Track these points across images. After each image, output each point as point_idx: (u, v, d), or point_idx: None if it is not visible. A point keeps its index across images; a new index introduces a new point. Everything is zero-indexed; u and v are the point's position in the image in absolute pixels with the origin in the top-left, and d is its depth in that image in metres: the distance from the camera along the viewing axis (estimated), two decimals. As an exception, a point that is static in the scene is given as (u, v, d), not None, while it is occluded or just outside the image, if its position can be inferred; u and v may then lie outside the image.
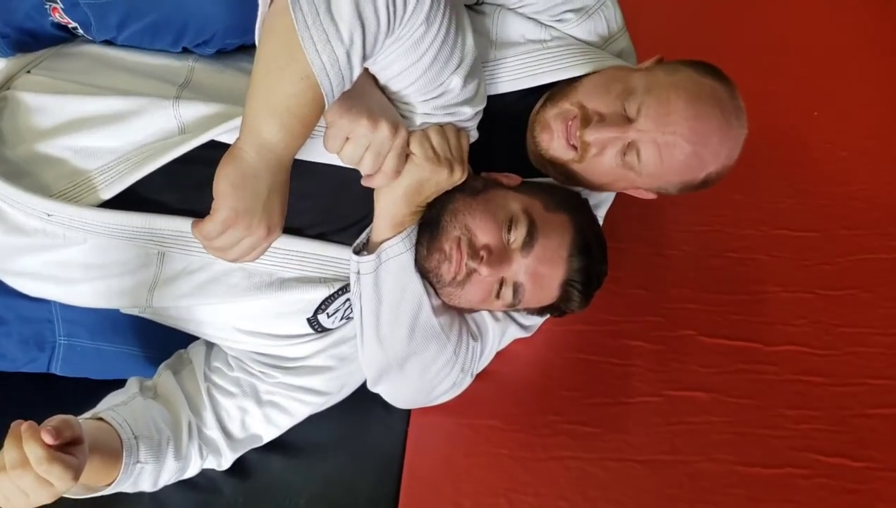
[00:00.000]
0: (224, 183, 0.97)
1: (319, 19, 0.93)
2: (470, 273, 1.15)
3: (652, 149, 1.15)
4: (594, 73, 1.23)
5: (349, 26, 0.94)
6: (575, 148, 1.18)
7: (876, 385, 1.35)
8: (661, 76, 1.19)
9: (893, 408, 1.32)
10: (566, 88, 1.22)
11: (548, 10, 1.24)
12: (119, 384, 1.23)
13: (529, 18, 1.25)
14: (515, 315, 1.34)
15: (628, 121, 1.16)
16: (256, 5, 1.14)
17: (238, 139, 0.98)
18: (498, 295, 1.17)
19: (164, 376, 1.25)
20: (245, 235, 0.99)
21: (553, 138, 1.20)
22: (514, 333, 1.36)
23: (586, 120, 1.17)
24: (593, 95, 1.19)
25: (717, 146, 1.17)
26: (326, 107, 0.98)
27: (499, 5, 1.25)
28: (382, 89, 1.10)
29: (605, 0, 1.27)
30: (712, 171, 1.20)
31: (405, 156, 1.10)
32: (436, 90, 1.09)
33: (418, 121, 1.11)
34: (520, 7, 1.25)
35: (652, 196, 1.29)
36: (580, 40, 1.27)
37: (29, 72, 1.21)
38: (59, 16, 1.19)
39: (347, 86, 1.00)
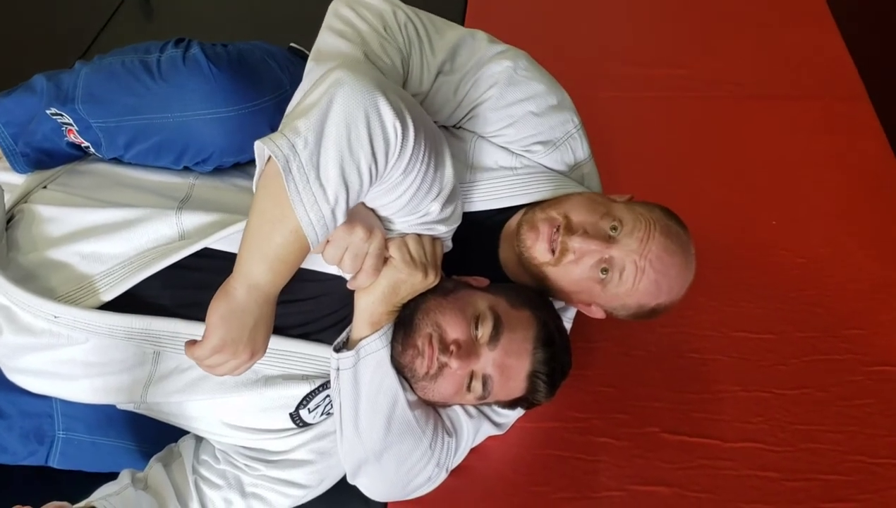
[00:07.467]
0: (215, 316, 1.07)
1: (309, 185, 1.01)
2: (441, 367, 1.20)
3: (631, 269, 1.24)
4: (578, 193, 1.33)
5: (335, 189, 1.02)
6: (553, 252, 1.27)
7: (828, 480, 1.40)
8: (641, 210, 1.28)
9: (845, 503, 1.37)
10: (554, 200, 1.31)
11: (518, 141, 1.35)
12: (112, 476, 1.28)
13: (502, 147, 1.36)
14: (489, 412, 1.38)
15: (610, 239, 1.25)
16: (250, 130, 1.25)
17: (231, 278, 1.08)
18: (469, 388, 1.22)
19: (154, 468, 1.30)
20: (231, 359, 1.09)
21: (537, 239, 1.27)
22: (488, 430, 1.40)
23: (570, 229, 1.26)
24: (580, 210, 1.28)
25: (674, 280, 1.27)
26: (311, 251, 1.08)
27: (475, 133, 1.37)
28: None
29: (571, 133, 1.37)
30: (663, 302, 1.29)
31: (384, 258, 1.19)
32: (416, 214, 1.18)
33: (396, 230, 1.20)
34: (493, 137, 1.36)
35: (602, 315, 1.35)
36: (548, 168, 1.37)
37: (45, 187, 1.32)
38: (74, 136, 1.32)
39: (331, 231, 1.08)
